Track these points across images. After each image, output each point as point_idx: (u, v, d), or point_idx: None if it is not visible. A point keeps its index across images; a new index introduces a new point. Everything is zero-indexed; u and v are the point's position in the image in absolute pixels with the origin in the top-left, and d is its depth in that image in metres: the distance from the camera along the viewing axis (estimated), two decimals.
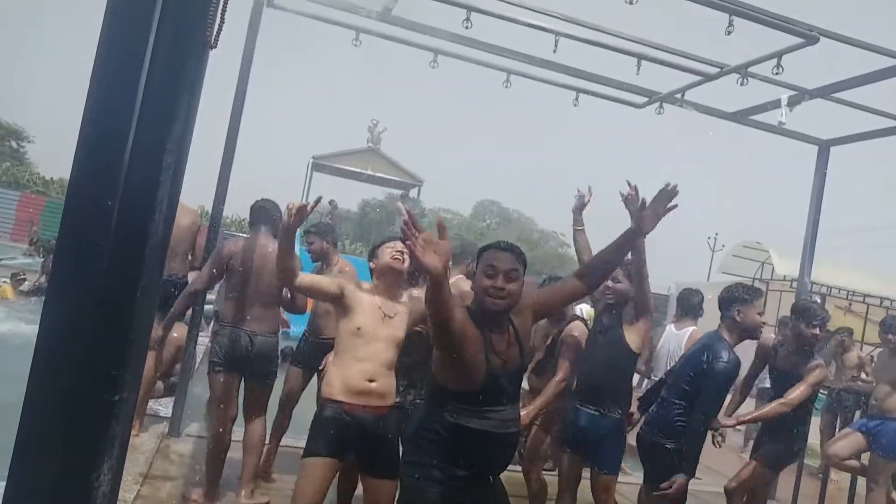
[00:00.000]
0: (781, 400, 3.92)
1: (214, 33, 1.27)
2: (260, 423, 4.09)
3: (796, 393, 3.89)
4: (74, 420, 1.19)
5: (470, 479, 2.39)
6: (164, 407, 5.57)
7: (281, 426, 4.59)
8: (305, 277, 3.05)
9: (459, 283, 4.31)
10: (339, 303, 2.97)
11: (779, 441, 4.13)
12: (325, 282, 3.10)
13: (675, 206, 2.56)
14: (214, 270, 4.12)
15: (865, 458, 5.12)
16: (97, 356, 1.20)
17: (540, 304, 2.56)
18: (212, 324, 4.57)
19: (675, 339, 4.92)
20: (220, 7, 1.27)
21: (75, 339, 1.18)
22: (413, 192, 20.94)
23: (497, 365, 2.34)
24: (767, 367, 4.34)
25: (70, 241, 1.21)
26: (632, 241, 2.60)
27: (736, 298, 3.49)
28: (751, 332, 3.49)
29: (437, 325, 2.22)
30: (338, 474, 3.07)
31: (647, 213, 2.53)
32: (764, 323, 3.61)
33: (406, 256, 2.97)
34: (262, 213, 4.24)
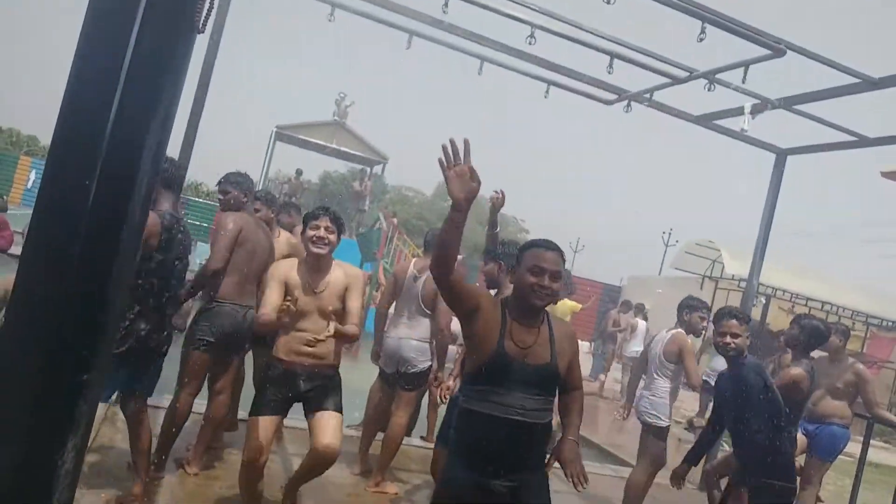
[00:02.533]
0: None
1: (203, 17, 1.26)
2: (227, 395, 4.13)
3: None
4: (41, 399, 1.18)
5: (487, 473, 2.35)
6: None
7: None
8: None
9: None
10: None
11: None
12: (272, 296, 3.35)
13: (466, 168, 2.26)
14: (229, 248, 3.94)
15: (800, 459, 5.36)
16: (66, 335, 1.19)
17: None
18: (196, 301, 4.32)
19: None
20: None
21: (45, 318, 1.17)
22: (377, 169, 20.79)
23: (513, 352, 2.37)
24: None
25: (45, 218, 1.19)
26: (450, 219, 2.34)
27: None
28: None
29: (439, 279, 2.34)
30: None
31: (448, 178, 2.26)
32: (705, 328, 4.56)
33: (327, 241, 3.37)
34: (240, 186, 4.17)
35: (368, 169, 18.77)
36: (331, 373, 3.44)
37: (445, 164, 2.21)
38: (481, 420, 2.36)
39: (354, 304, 3.41)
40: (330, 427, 3.30)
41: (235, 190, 4.16)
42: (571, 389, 2.63)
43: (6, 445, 1.17)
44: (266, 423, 3.26)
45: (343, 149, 18.99)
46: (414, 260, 4.90)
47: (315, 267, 3.38)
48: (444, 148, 2.18)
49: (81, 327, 1.21)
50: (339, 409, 3.39)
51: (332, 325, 3.19)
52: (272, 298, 3.29)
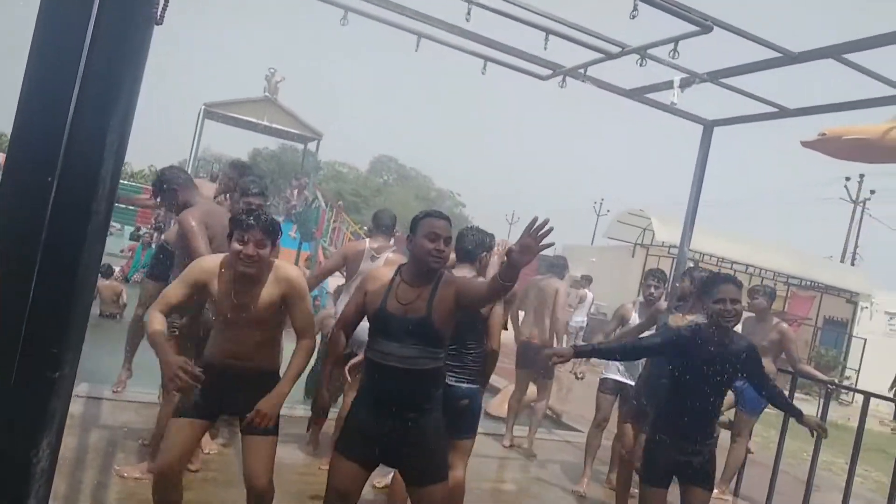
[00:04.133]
0: None
1: (160, 9, 1.25)
2: None
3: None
4: (14, 397, 1.18)
5: (378, 414, 2.68)
6: None
7: None
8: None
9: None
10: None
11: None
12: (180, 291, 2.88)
13: (552, 243, 2.47)
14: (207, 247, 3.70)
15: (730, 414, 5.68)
16: (37, 333, 1.19)
17: (461, 291, 2.73)
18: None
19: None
20: None
21: (15, 316, 1.17)
22: (311, 146, 20.47)
23: (393, 308, 2.70)
24: None
25: (8, 216, 1.18)
26: (495, 289, 2.55)
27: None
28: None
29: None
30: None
31: (514, 252, 2.39)
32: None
33: (257, 258, 2.77)
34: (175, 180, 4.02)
35: (302, 179, 18.04)
36: (267, 379, 2.88)
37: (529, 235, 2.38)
38: (370, 366, 2.74)
39: (299, 315, 2.92)
40: (259, 458, 2.79)
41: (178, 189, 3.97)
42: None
43: None
44: (182, 425, 2.79)
45: (275, 125, 18.60)
46: (369, 239, 4.88)
47: (242, 278, 2.82)
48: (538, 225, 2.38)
49: (50, 325, 1.21)
50: (273, 430, 2.82)
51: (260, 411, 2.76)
52: (172, 297, 2.82)
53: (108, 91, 1.22)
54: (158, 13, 1.25)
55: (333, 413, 4.78)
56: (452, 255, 3.38)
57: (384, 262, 4.45)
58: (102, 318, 9.01)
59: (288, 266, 3.00)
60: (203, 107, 18.50)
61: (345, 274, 4.83)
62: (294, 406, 5.51)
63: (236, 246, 2.76)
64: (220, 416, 3.11)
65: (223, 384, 2.84)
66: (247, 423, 2.78)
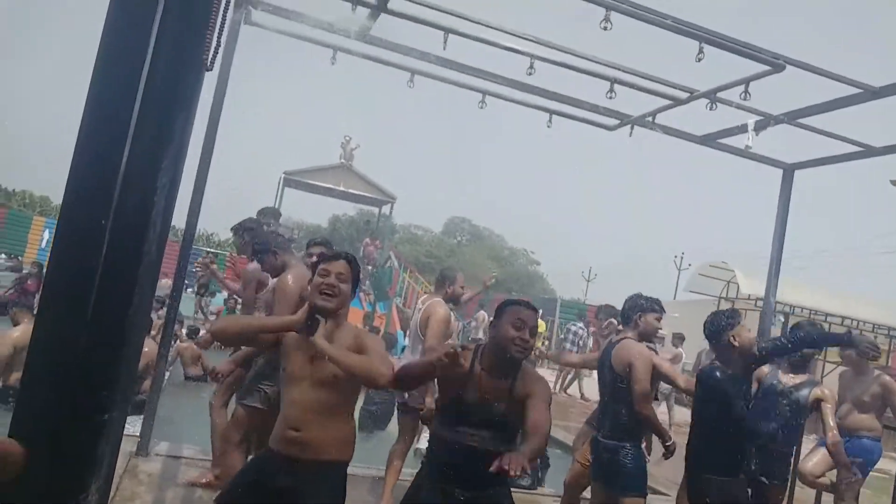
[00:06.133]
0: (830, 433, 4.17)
1: (210, 55, 1.29)
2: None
3: (831, 420, 4.18)
4: (64, 439, 1.18)
5: (446, 490, 2.65)
6: (131, 425, 5.46)
7: None
8: None
9: (436, 306, 4.36)
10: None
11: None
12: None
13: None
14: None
15: (832, 474, 5.23)
16: (87, 376, 1.19)
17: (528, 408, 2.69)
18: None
19: None
20: (217, 30, 1.29)
21: (66, 359, 1.18)
22: (385, 209, 20.94)
23: (475, 400, 2.65)
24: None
25: (63, 259, 1.21)
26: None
27: (636, 306, 4.03)
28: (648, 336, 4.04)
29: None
30: None
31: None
32: (660, 328, 4.16)
33: (337, 291, 2.56)
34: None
35: (376, 241, 18.28)
36: (330, 476, 2.53)
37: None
38: (441, 442, 2.71)
39: (375, 350, 2.57)
40: None
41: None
42: (530, 430, 2.69)
43: (29, 488, 1.16)
44: None
45: (351, 191, 19.17)
46: (423, 297, 4.94)
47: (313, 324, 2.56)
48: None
49: (100, 369, 1.22)
50: None
51: (319, 340, 2.44)
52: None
53: (160, 135, 1.25)
54: (209, 60, 1.29)
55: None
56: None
57: (421, 303, 4.59)
58: (188, 380, 9.21)
59: (367, 332, 2.88)
60: (283, 175, 19.29)
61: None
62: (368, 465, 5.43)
63: (318, 278, 2.57)
64: None
65: (272, 473, 2.55)
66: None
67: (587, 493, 4.40)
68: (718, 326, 3.56)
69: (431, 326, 4.36)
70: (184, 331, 9.53)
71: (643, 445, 4.04)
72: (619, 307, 4.30)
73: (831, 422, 4.18)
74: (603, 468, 3.91)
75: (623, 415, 3.82)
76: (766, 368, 4.50)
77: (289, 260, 4.09)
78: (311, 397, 2.50)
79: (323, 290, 2.55)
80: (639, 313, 4.04)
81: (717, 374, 3.49)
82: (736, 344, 3.47)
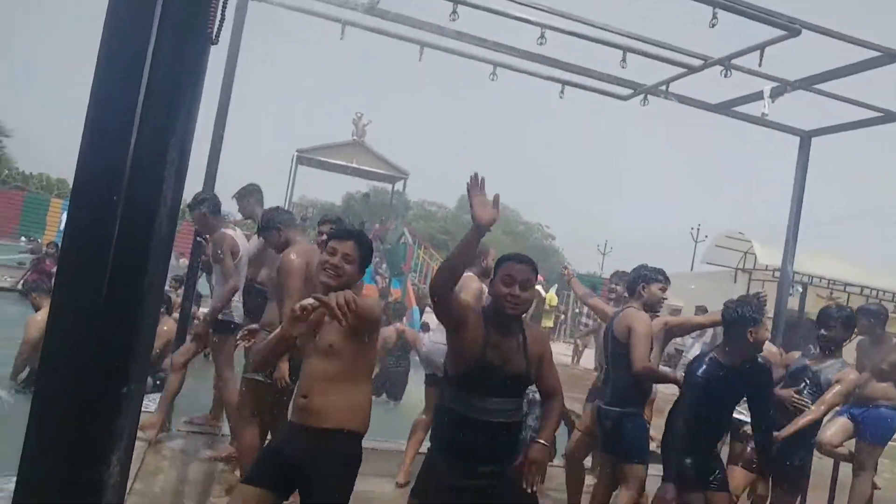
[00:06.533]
0: (816, 407, 3.95)
1: (216, 29, 1.28)
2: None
3: (829, 395, 3.95)
4: (83, 413, 1.20)
5: (465, 467, 2.57)
6: (153, 402, 5.55)
7: None
8: None
9: (468, 280, 4.35)
10: None
11: (795, 454, 4.05)
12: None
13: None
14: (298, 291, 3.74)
15: (850, 444, 5.23)
16: (105, 349, 1.21)
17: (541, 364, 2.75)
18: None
19: None
20: (221, 3, 1.28)
21: (83, 333, 1.19)
22: (399, 185, 20.92)
23: (495, 361, 2.57)
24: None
25: (76, 236, 1.22)
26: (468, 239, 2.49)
27: (640, 276, 4.10)
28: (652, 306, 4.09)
29: (440, 289, 2.50)
30: None
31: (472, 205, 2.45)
32: (665, 298, 4.19)
33: (341, 271, 2.57)
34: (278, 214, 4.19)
35: (389, 222, 18.15)
36: (336, 444, 2.50)
37: (471, 191, 2.43)
38: (460, 420, 2.58)
39: (377, 330, 2.68)
40: None
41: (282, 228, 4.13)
42: (547, 396, 2.82)
43: (50, 462, 1.19)
44: (246, 493, 2.51)
45: (364, 167, 19.16)
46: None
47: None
48: (473, 177, 2.43)
49: (117, 342, 1.23)
50: None
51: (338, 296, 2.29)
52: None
53: (169, 109, 1.25)
54: (214, 33, 1.28)
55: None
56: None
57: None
58: (208, 358, 9.24)
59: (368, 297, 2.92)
60: (296, 153, 19.30)
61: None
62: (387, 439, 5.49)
63: (323, 256, 2.64)
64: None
65: (288, 447, 2.56)
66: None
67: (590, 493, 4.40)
68: (741, 318, 3.48)
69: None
70: (203, 310, 9.58)
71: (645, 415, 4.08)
72: None
73: (829, 397, 4.05)
74: (607, 435, 3.98)
75: (624, 381, 3.88)
76: (795, 354, 4.50)
77: (292, 236, 4.08)
78: (316, 366, 2.55)
79: (327, 269, 2.59)
80: (643, 284, 4.09)
81: (707, 368, 3.48)
82: (751, 340, 3.44)
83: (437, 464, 2.64)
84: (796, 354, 4.48)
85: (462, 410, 2.57)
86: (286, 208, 5.12)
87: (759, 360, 3.59)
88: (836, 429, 5.12)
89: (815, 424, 4.15)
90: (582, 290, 5.45)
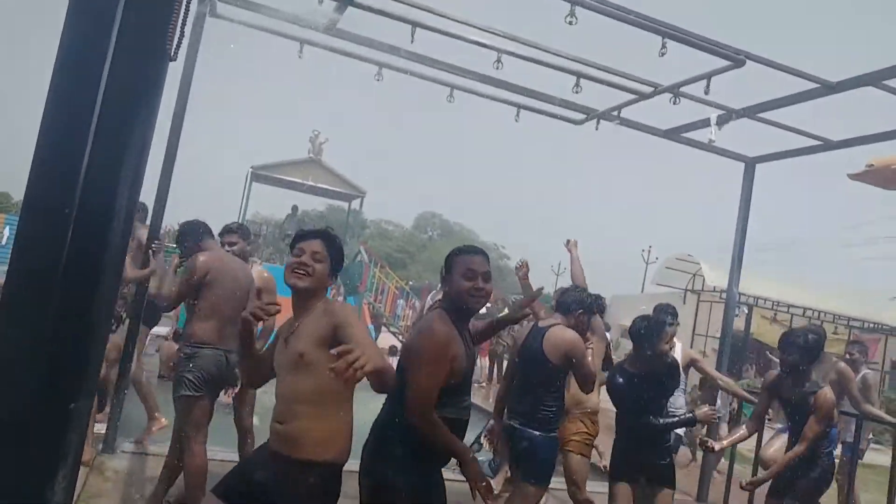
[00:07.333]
0: (798, 447, 3.88)
1: (174, 45, 1.29)
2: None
3: (810, 432, 3.85)
4: (30, 428, 1.18)
5: (435, 469, 2.60)
6: (97, 422, 5.38)
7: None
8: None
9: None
10: None
11: (809, 475, 3.98)
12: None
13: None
14: (184, 293, 3.98)
15: None
16: (54, 365, 1.19)
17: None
18: (179, 346, 4.28)
19: None
20: (181, 19, 1.29)
21: (31, 348, 1.18)
22: (355, 204, 20.84)
23: (471, 359, 2.64)
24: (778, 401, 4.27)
25: (27, 248, 1.20)
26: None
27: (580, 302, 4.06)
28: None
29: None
30: None
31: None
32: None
33: (310, 270, 2.45)
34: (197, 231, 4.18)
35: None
36: (311, 478, 2.29)
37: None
38: (453, 424, 2.53)
39: (357, 333, 2.29)
40: None
41: (242, 241, 4.39)
42: None
43: None
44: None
45: (320, 185, 19.01)
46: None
47: (294, 305, 2.48)
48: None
49: (66, 358, 1.22)
50: None
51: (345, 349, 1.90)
52: None
53: (123, 125, 1.25)
54: (172, 50, 1.29)
55: None
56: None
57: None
58: (160, 378, 8.77)
59: (338, 301, 2.87)
60: (251, 169, 19.06)
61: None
62: None
63: (291, 258, 2.48)
64: None
65: (259, 467, 2.46)
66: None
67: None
68: (650, 333, 3.82)
69: None
70: (167, 330, 9.29)
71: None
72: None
73: (808, 433, 4.02)
74: (518, 454, 3.82)
75: (542, 401, 3.78)
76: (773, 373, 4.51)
77: (208, 248, 4.10)
78: (288, 384, 2.38)
79: (295, 269, 2.43)
80: (588, 315, 4.08)
81: (624, 372, 3.88)
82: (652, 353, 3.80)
83: (431, 476, 2.57)
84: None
85: (454, 415, 2.53)
86: (239, 223, 5.07)
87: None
88: (778, 445, 5.26)
89: (824, 442, 4.06)
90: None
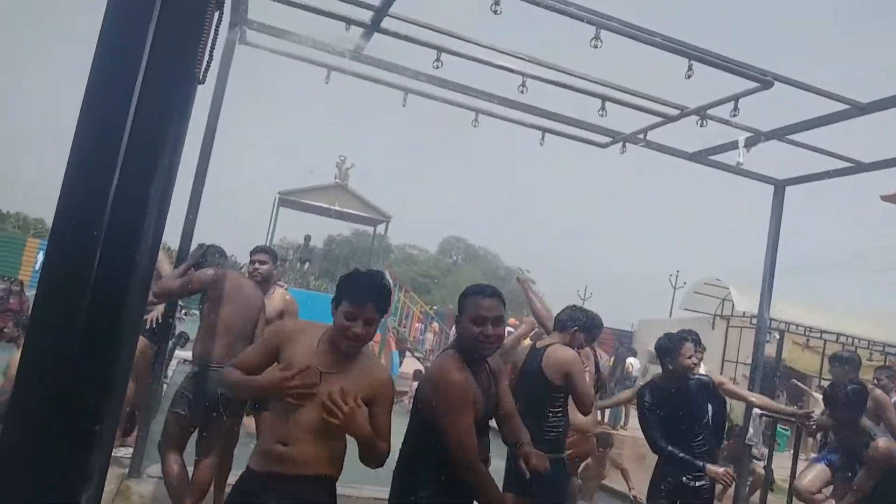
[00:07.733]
0: (848, 498, 3.93)
1: (203, 69, 1.31)
2: (214, 459, 4.05)
3: (863, 483, 3.97)
4: (54, 451, 1.17)
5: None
6: (124, 446, 5.41)
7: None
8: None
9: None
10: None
11: None
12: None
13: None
14: (184, 285, 4.08)
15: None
16: (79, 387, 1.19)
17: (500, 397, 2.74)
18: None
19: None
20: (210, 43, 1.30)
21: (57, 369, 1.18)
22: (380, 228, 20.96)
23: (489, 398, 2.59)
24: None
25: (55, 270, 1.21)
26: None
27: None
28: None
29: None
30: None
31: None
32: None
33: (361, 339, 2.41)
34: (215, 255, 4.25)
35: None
36: (320, 490, 2.39)
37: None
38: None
39: (382, 420, 2.41)
40: None
41: (271, 262, 4.52)
42: (511, 415, 2.79)
43: (20, 499, 1.15)
44: None
45: (346, 210, 19.17)
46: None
47: (338, 349, 2.42)
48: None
49: (92, 379, 1.21)
50: None
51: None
52: (249, 360, 2.52)
53: (153, 145, 1.26)
54: (201, 73, 1.30)
55: None
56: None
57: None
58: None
59: (382, 366, 2.69)
60: (278, 195, 19.29)
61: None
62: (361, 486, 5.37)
63: (344, 321, 2.36)
64: None
65: (259, 498, 2.40)
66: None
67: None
68: (666, 349, 4.07)
69: None
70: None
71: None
72: (613, 326, 4.38)
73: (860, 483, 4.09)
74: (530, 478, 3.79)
75: (550, 424, 3.80)
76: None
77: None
78: (310, 417, 2.34)
79: (349, 338, 2.38)
80: (585, 334, 4.14)
81: (652, 390, 4.05)
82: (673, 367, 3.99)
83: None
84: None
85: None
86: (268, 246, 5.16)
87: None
88: (812, 475, 5.11)
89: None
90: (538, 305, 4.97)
